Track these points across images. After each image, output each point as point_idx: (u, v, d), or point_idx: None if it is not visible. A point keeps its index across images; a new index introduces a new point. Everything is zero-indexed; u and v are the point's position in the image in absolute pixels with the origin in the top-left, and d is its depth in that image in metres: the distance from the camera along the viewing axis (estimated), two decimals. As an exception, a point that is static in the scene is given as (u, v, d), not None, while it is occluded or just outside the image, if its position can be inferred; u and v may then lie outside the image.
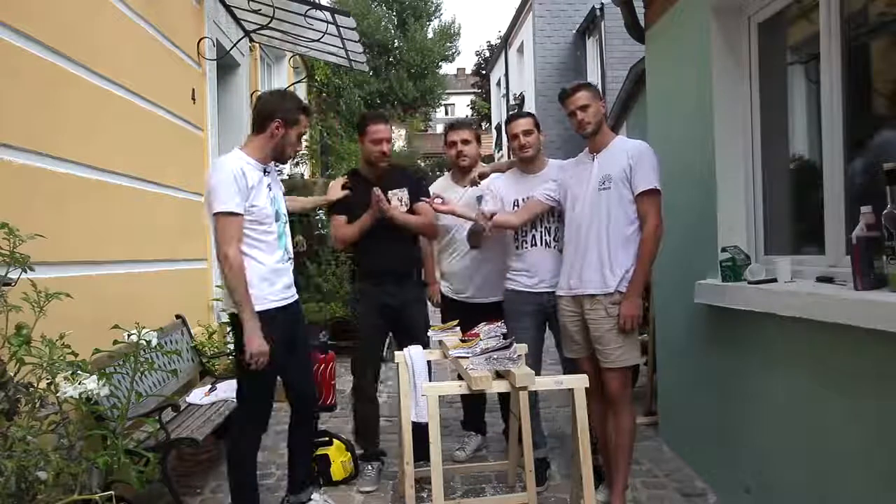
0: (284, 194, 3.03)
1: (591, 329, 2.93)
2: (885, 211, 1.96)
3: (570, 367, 3.16)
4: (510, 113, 3.80)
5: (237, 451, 2.86)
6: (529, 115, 3.53)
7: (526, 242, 3.34)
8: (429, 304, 3.80)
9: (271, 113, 2.73)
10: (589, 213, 2.95)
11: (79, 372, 2.19)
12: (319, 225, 6.63)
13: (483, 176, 3.55)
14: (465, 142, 3.63)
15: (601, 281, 2.90)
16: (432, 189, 3.80)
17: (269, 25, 5.35)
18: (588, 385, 2.58)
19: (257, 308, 2.65)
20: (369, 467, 3.47)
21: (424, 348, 3.08)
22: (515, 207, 3.37)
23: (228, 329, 2.72)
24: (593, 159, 3.01)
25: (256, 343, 2.62)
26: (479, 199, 3.60)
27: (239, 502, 2.84)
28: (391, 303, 3.44)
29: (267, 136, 2.74)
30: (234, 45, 5.66)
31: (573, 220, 3.04)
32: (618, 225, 2.90)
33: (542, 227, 3.32)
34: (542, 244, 3.32)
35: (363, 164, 3.53)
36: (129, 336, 2.51)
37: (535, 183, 3.35)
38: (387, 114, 4.06)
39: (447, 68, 26.35)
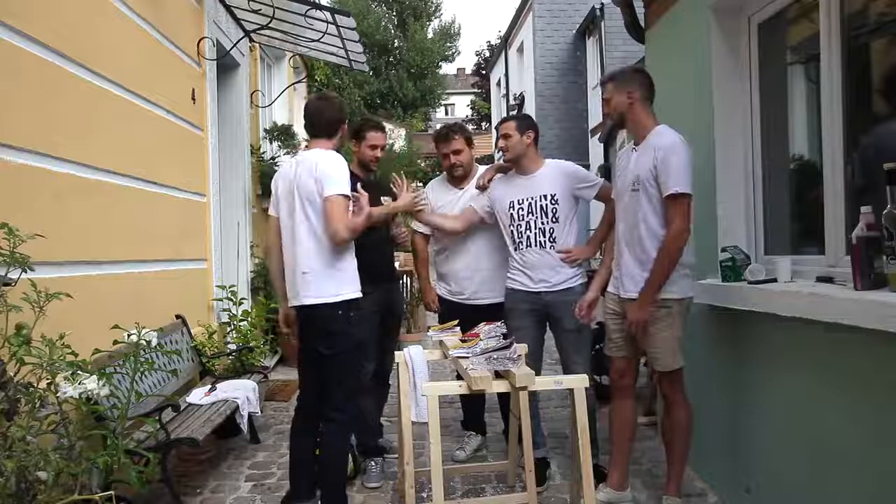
0: None
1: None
2: (885, 211, 1.96)
3: (565, 365, 3.16)
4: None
5: (341, 455, 2.98)
6: (514, 118, 3.48)
7: (522, 243, 3.36)
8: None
9: (340, 119, 3.03)
10: (624, 214, 2.91)
11: (79, 372, 2.19)
12: None
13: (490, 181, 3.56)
14: (457, 152, 3.60)
15: (638, 285, 2.83)
16: (428, 189, 3.84)
17: (269, 25, 5.34)
18: (588, 385, 2.58)
19: (354, 295, 2.90)
20: (372, 463, 3.49)
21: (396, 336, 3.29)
22: (511, 210, 3.38)
23: (311, 322, 2.89)
24: (632, 152, 2.91)
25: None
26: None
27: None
28: (389, 300, 3.62)
29: (337, 139, 3.04)
30: (234, 45, 5.66)
31: (619, 220, 2.99)
32: (651, 227, 2.79)
33: (536, 228, 3.33)
34: (536, 245, 3.33)
35: (356, 166, 3.60)
36: (129, 336, 2.51)
37: (531, 183, 3.36)
38: (381, 119, 4.20)
39: (447, 68, 26.40)
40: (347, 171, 2.87)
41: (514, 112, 15.88)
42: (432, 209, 3.70)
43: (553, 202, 3.31)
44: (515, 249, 3.39)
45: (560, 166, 3.42)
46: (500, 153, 3.47)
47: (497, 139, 3.47)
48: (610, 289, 3.07)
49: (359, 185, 3.09)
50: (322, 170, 2.82)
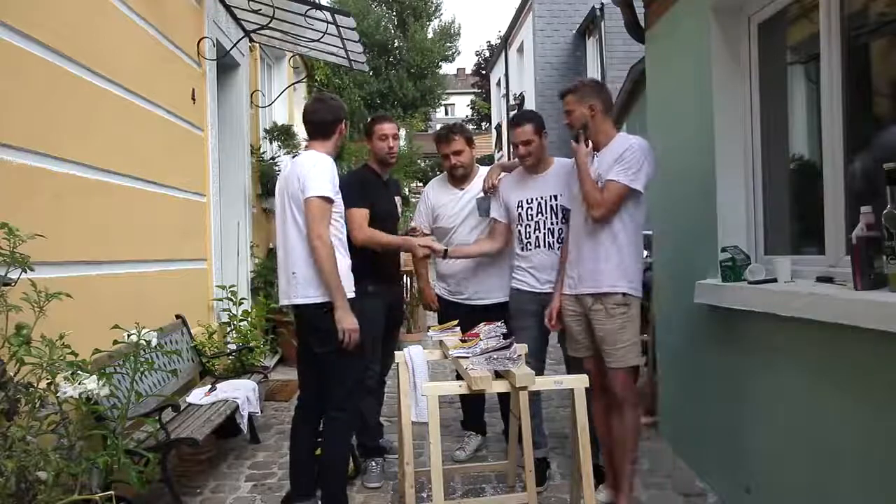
0: None
1: (595, 329, 2.93)
2: (885, 211, 1.96)
3: (575, 365, 3.16)
4: (513, 115, 3.68)
5: (342, 454, 3.00)
6: (531, 119, 3.36)
7: (530, 244, 3.35)
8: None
9: (337, 118, 3.02)
10: (586, 213, 2.93)
11: (79, 372, 2.19)
12: None
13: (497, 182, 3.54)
14: (458, 153, 3.59)
15: (602, 280, 2.89)
16: (428, 189, 3.83)
17: (269, 25, 5.34)
18: (588, 385, 2.58)
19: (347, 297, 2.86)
20: (373, 464, 3.50)
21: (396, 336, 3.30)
22: (520, 209, 3.36)
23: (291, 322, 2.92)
24: (593, 158, 2.98)
25: (350, 320, 2.82)
26: (480, 201, 3.61)
27: None
28: (393, 301, 3.66)
29: (336, 138, 3.05)
30: (234, 45, 5.65)
31: (575, 220, 3.03)
32: (610, 223, 2.85)
33: (545, 228, 3.31)
34: (545, 245, 3.32)
35: (374, 163, 3.63)
36: (129, 336, 2.51)
37: (540, 183, 3.35)
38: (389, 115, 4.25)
39: (447, 68, 26.34)
40: (333, 173, 2.87)
41: (515, 111, 15.86)
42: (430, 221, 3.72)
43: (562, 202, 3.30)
44: (523, 250, 3.38)
45: (569, 165, 3.39)
46: (522, 159, 3.38)
47: (512, 143, 3.39)
48: (566, 291, 3.07)
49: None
50: (306, 172, 2.84)
